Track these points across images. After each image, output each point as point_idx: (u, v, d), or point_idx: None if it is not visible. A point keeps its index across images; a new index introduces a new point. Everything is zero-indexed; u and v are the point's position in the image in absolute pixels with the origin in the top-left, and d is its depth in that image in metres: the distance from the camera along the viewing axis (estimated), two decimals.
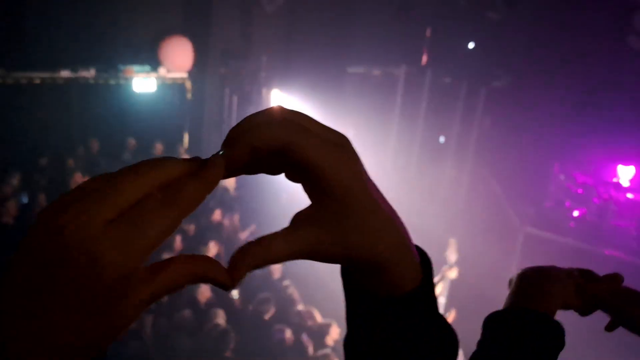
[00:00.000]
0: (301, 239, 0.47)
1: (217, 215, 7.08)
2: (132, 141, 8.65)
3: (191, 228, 6.75)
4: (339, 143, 0.46)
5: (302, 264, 6.79)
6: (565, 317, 1.08)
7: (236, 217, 7.44)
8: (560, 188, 8.93)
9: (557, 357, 1.00)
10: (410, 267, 0.51)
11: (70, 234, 0.37)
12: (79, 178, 8.00)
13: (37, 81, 8.56)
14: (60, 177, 7.99)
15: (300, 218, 0.48)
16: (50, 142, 8.15)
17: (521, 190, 9.04)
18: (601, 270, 1.14)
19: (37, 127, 7.95)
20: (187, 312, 5.53)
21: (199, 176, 0.43)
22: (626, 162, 8.26)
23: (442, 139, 10.91)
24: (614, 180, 8.35)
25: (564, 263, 1.16)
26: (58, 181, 7.96)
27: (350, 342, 0.56)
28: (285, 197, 9.15)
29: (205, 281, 0.43)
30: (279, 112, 0.46)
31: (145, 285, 0.40)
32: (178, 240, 6.30)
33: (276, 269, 6.75)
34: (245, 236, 7.33)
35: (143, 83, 8.76)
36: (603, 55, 8.12)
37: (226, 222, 7.22)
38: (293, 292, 6.06)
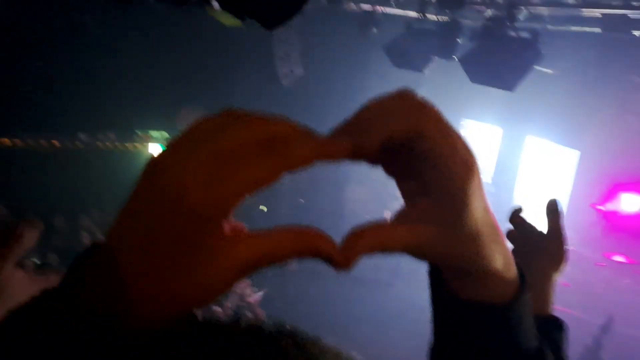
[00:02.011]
0: (419, 234, 0.44)
1: None
2: None
3: None
4: (469, 149, 0.45)
5: None
6: None
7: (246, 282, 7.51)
8: None
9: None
10: (511, 280, 0.50)
11: (161, 172, 0.37)
12: (85, 238, 8.12)
13: (57, 145, 8.84)
14: (74, 238, 8.07)
15: (409, 214, 0.46)
16: (66, 204, 8.29)
17: None
18: None
19: (55, 190, 8.10)
20: None
21: (315, 139, 0.40)
22: None
23: None
24: None
25: None
26: (71, 241, 8.04)
27: (436, 346, 0.55)
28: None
29: (315, 255, 0.39)
30: (414, 99, 0.43)
31: (242, 246, 0.37)
32: None
33: None
34: (255, 300, 7.37)
35: (159, 149, 9.02)
36: None
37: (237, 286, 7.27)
38: None
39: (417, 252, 0.45)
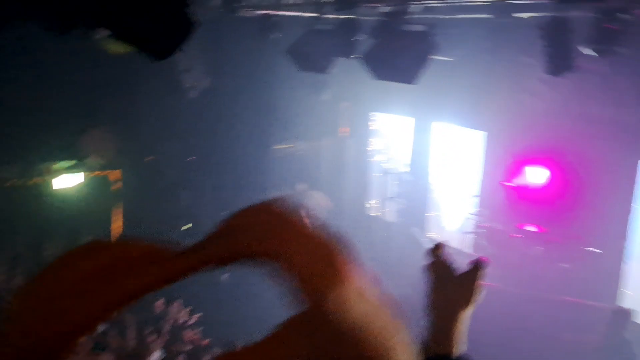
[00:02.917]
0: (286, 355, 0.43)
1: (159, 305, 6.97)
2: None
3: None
4: (337, 259, 0.43)
5: None
6: None
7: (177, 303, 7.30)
8: None
9: None
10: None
11: (11, 315, 0.39)
12: None
13: None
14: None
15: (295, 321, 0.44)
16: None
17: None
18: None
19: None
20: None
21: (158, 262, 0.39)
22: None
23: None
24: None
25: None
26: None
27: None
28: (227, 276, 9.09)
29: None
30: (276, 216, 0.43)
31: None
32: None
33: None
34: (190, 323, 7.20)
35: (66, 179, 8.58)
36: None
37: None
38: None
39: None
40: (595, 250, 8.34)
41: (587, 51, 5.97)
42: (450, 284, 1.13)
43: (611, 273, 8.36)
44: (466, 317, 1.11)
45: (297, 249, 0.43)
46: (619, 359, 6.93)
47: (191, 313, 7.28)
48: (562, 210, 8.59)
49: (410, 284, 8.67)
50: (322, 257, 0.43)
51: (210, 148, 9.17)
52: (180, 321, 7.07)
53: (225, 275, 8.62)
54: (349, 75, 9.11)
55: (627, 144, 7.98)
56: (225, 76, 8.82)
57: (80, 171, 8.72)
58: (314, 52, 7.54)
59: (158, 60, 2.86)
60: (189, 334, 6.78)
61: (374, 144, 11.60)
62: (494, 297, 8.38)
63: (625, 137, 7.97)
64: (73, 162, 8.72)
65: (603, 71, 7.47)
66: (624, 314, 7.44)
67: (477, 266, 1.18)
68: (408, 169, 10.75)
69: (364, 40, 7.33)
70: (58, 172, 8.58)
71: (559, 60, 6.12)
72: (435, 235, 10.28)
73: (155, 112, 8.70)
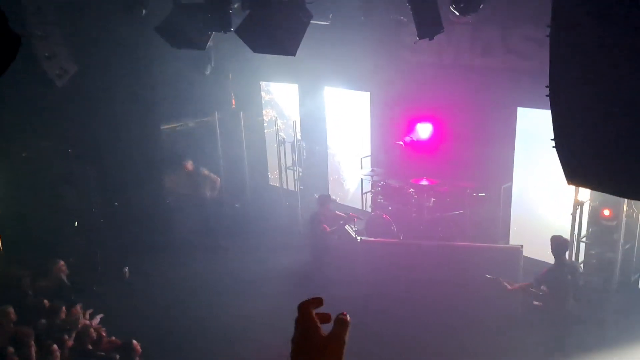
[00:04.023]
0: None
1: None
2: None
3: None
4: None
5: None
6: None
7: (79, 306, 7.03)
8: None
9: None
10: None
11: None
12: None
13: None
14: None
15: None
16: None
17: None
18: None
19: None
20: None
21: None
22: None
23: None
24: None
25: None
26: None
27: None
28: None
29: None
30: None
31: None
32: None
33: None
34: (96, 322, 6.98)
35: None
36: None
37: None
38: None
39: None
40: (480, 194, 8.77)
41: (452, 10, 6.10)
42: (316, 344, 1.07)
43: (500, 214, 8.85)
44: None
45: None
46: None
47: (95, 312, 7.06)
48: (449, 160, 8.93)
49: (319, 252, 8.85)
50: None
51: (90, 136, 8.64)
52: (85, 323, 6.84)
53: (125, 269, 8.31)
54: (232, 45, 8.84)
55: (505, 91, 8.32)
56: (96, 60, 8.25)
57: None
58: (186, 29, 7.20)
59: None
60: (94, 334, 6.57)
61: (267, 114, 11.48)
62: (398, 250, 8.72)
63: (502, 84, 8.31)
64: None
65: (469, 23, 7.71)
66: (516, 251, 7.99)
67: (342, 325, 1.12)
68: (302, 137, 10.74)
69: (237, 12, 7.08)
70: None
71: (428, 22, 6.21)
72: (336, 198, 10.44)
73: (22, 106, 8.02)
